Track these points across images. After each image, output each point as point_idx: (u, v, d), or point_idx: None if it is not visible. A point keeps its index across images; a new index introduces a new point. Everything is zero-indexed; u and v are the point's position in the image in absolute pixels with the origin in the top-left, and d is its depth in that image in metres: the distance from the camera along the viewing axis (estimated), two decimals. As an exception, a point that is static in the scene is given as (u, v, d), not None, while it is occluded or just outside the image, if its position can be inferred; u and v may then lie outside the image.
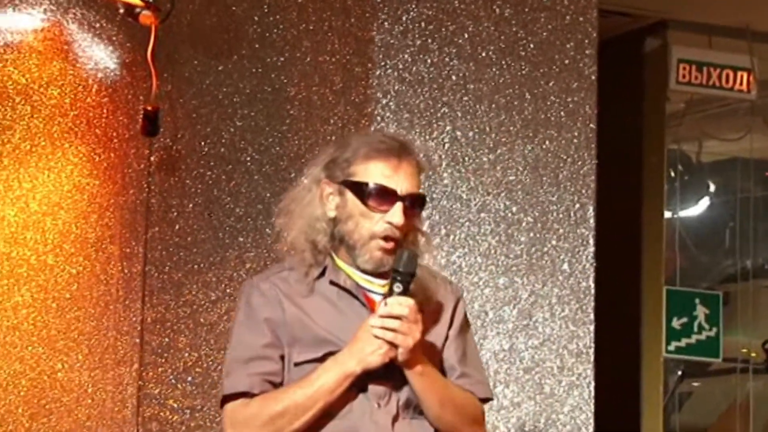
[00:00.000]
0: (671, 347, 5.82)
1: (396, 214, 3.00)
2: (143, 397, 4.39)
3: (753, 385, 6.71)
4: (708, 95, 5.78)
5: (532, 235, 4.76)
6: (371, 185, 3.00)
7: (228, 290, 4.49)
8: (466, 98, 4.72)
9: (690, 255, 6.83)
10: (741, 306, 6.78)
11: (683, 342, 5.90)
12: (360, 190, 3.01)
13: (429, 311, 3.09)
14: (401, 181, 3.02)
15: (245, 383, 3.00)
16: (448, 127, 4.75)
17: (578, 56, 4.90)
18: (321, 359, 2.98)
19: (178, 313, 4.45)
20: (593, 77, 4.88)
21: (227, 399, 3.03)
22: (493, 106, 4.78)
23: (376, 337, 2.95)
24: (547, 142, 4.84)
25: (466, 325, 3.20)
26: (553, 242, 4.78)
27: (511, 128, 4.78)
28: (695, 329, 5.94)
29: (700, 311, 5.95)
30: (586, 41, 4.89)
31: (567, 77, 4.88)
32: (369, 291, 3.05)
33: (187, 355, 4.45)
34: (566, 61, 4.90)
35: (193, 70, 4.51)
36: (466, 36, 4.76)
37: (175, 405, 4.41)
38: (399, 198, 3.01)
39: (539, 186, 4.82)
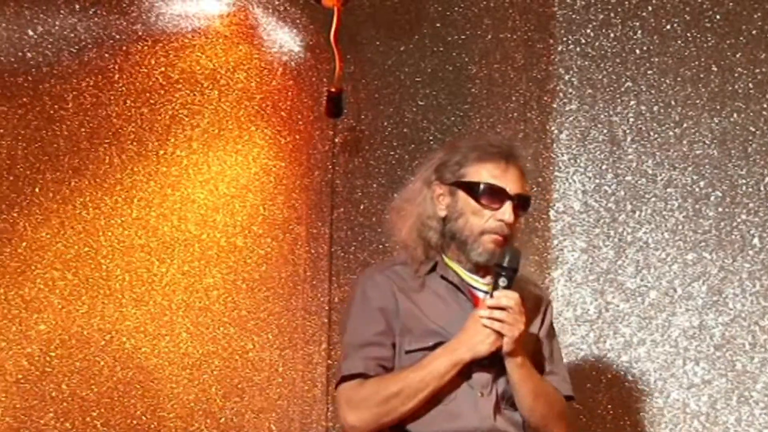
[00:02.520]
0: None
1: (506, 211, 3.21)
2: (332, 376, 4.41)
3: None
4: None
5: (720, 209, 4.65)
6: (483, 184, 3.21)
7: None
8: (650, 72, 4.63)
9: None
10: None
11: None
12: (472, 189, 3.22)
13: (527, 311, 3.24)
14: (510, 182, 3.24)
15: (361, 365, 3.18)
16: (632, 102, 4.66)
17: (766, 26, 4.77)
18: (431, 348, 3.17)
19: None
20: None
21: (343, 380, 3.22)
22: (679, 79, 4.67)
23: (485, 326, 3.12)
24: (734, 115, 4.71)
25: (552, 329, 3.41)
26: (743, 216, 4.66)
27: (698, 101, 4.66)
28: None
29: None
30: None
31: (755, 48, 4.73)
32: (474, 288, 3.26)
33: None
34: (753, 32, 4.76)
35: (376, 50, 4.53)
36: (650, 8, 4.66)
37: None
38: (509, 197, 3.22)
39: (727, 159, 4.70)
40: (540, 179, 4.56)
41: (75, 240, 4.22)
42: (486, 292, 3.23)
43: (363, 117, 4.54)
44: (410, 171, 4.52)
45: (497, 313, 3.13)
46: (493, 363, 3.19)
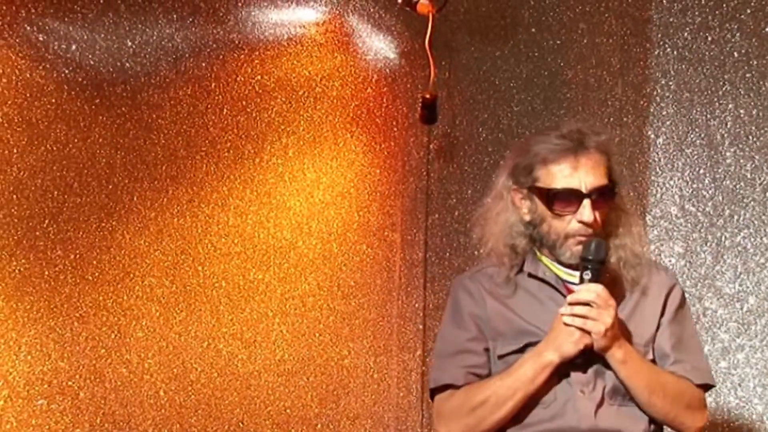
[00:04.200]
0: None
1: (584, 213, 3.07)
2: (427, 383, 4.46)
3: None
4: None
5: (820, 214, 4.61)
6: (554, 190, 3.09)
7: None
8: (749, 75, 4.59)
9: None
10: None
11: None
12: (545, 196, 3.10)
13: (642, 300, 3.15)
14: (583, 177, 3.08)
15: (450, 376, 3.13)
16: (730, 105, 4.62)
17: None
18: (521, 350, 3.09)
19: None
20: None
21: (435, 392, 3.18)
22: None
23: (567, 324, 3.02)
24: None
25: (681, 310, 3.22)
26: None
27: None
28: None
29: None
30: None
31: None
32: (571, 284, 3.14)
33: None
34: None
35: (470, 56, 4.54)
36: (749, 11, 4.62)
37: None
38: (584, 196, 3.07)
39: None
40: (636, 184, 4.54)
41: (172, 248, 4.26)
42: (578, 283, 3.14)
43: (458, 123, 4.54)
44: None
45: (578, 309, 3.03)
46: (590, 360, 3.08)
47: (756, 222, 4.57)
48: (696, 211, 4.56)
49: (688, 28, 4.61)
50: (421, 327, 4.48)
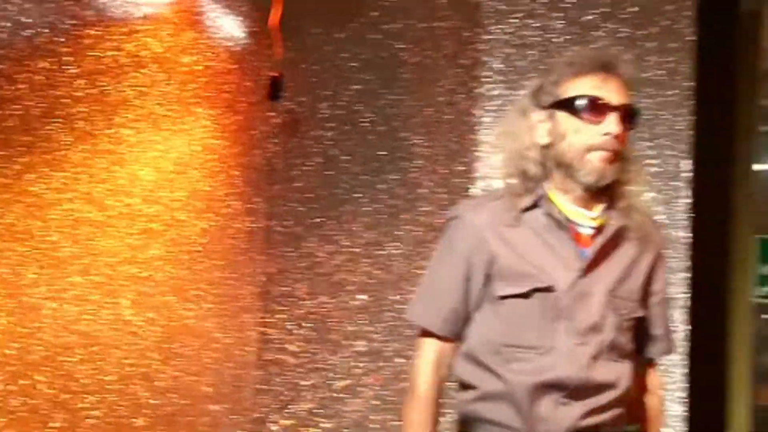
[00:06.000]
0: (761, 293, 5.91)
1: (612, 123, 2.88)
2: (264, 342, 4.65)
3: None
4: None
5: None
6: (582, 97, 2.90)
7: (345, 243, 4.71)
8: None
9: (779, 205, 6.93)
10: None
11: None
12: (572, 105, 2.91)
13: (641, 249, 3.00)
14: (612, 93, 2.91)
15: (429, 320, 3.01)
16: (522, 92, 4.82)
17: (677, 18, 4.92)
18: (525, 295, 2.92)
19: (298, 265, 4.68)
20: (691, 38, 4.93)
21: (418, 327, 3.04)
22: None
23: None
24: (646, 100, 4.95)
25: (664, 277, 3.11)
26: (652, 194, 4.90)
27: None
28: None
29: None
30: (686, 3, 4.92)
31: (666, 38, 4.91)
32: (578, 225, 2.96)
33: (305, 303, 4.68)
34: (665, 23, 4.94)
35: (314, 38, 4.66)
36: (571, 1, 4.84)
37: (294, 349, 4.67)
38: (613, 107, 2.90)
39: (638, 140, 4.91)
40: (465, 160, 4.72)
41: (26, 212, 4.29)
42: (592, 227, 2.94)
43: (301, 100, 4.67)
44: (344, 151, 4.74)
45: None
46: (596, 314, 2.93)
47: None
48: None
49: (515, 15, 4.78)
50: (260, 290, 4.62)
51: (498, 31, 4.80)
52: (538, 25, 4.83)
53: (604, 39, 4.88)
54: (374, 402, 4.70)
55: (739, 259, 5.58)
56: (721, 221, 5.52)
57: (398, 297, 4.74)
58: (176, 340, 4.56)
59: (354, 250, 4.72)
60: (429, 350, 3.04)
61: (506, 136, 3.02)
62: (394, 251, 4.75)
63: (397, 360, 4.73)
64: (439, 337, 3.02)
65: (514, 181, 2.96)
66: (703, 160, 5.16)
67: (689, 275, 4.93)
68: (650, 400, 3.14)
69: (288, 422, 4.62)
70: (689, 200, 4.96)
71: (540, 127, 2.97)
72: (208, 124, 4.60)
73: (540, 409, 2.90)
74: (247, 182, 4.65)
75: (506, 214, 2.94)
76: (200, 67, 4.57)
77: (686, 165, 4.99)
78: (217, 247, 4.61)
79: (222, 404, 4.57)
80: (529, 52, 4.83)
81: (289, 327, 4.68)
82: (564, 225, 2.94)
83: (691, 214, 4.93)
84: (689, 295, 4.93)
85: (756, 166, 6.14)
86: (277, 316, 4.67)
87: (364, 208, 4.74)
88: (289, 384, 4.65)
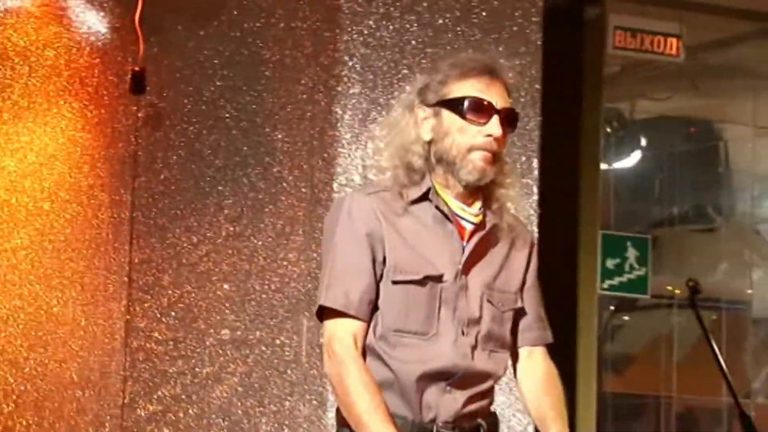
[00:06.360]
0: (605, 285, 6.14)
1: (494, 125, 2.99)
2: (131, 330, 4.71)
3: (676, 320, 7.18)
4: (641, 59, 6.05)
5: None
6: (468, 99, 3.00)
7: (208, 234, 4.81)
8: (424, 61, 4.99)
9: (623, 203, 7.28)
10: (667, 248, 7.21)
11: (616, 280, 6.22)
12: (457, 105, 3.00)
13: (513, 248, 3.10)
14: (495, 96, 3.02)
15: (344, 303, 2.96)
16: (408, 88, 4.99)
17: (525, 23, 5.15)
18: (420, 282, 2.98)
19: (163, 255, 4.77)
20: (539, 42, 5.16)
21: (326, 311, 2.99)
22: None
23: None
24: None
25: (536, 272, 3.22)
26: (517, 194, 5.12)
27: None
28: (627, 269, 6.25)
29: (631, 253, 6.24)
30: (533, 10, 5.16)
31: (515, 42, 5.13)
32: (461, 218, 3.04)
33: (170, 292, 4.76)
34: (514, 28, 5.15)
35: (177, 34, 4.77)
36: (425, 4, 5.03)
37: (160, 337, 4.75)
38: (496, 110, 3.00)
39: None
40: (325, 155, 4.90)
41: None
42: (473, 223, 3.04)
43: (164, 94, 4.77)
44: (207, 145, 4.86)
45: None
46: (474, 305, 3.02)
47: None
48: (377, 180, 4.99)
49: (372, 17, 4.97)
50: (126, 279, 4.70)
51: (356, 32, 4.98)
52: (393, 27, 5.03)
53: (456, 41, 5.12)
54: (239, 388, 4.83)
55: (585, 253, 5.85)
56: (568, 217, 5.79)
57: (262, 287, 4.89)
58: (42, 328, 4.63)
59: (218, 241, 4.85)
60: (345, 333, 2.97)
61: (391, 129, 3.09)
62: (258, 243, 4.89)
63: (261, 348, 4.87)
64: (353, 318, 2.97)
65: (399, 172, 3.03)
66: (551, 158, 5.42)
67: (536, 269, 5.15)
68: (547, 385, 3.16)
69: (155, 407, 4.72)
70: (537, 197, 5.18)
71: (425, 123, 3.05)
72: (72, 117, 4.69)
73: (427, 396, 2.96)
74: (112, 174, 4.73)
75: (395, 203, 3.01)
76: (64, 61, 4.67)
77: (535, 163, 5.23)
78: (83, 237, 4.70)
79: (89, 390, 4.65)
80: (386, 52, 5.01)
81: (154, 316, 4.78)
82: (450, 218, 3.03)
83: (539, 211, 5.14)
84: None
85: (603, 165, 6.47)
86: (143, 305, 4.77)
87: (227, 201, 4.85)
88: (156, 371, 4.75)
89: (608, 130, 6.79)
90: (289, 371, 4.85)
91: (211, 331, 4.83)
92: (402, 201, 3.01)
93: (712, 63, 6.89)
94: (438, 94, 3.04)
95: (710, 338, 4.45)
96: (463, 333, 2.99)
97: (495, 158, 3.02)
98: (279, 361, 4.85)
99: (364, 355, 2.98)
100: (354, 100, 4.95)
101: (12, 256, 4.61)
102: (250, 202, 4.88)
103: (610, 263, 6.24)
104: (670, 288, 7.11)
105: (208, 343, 4.82)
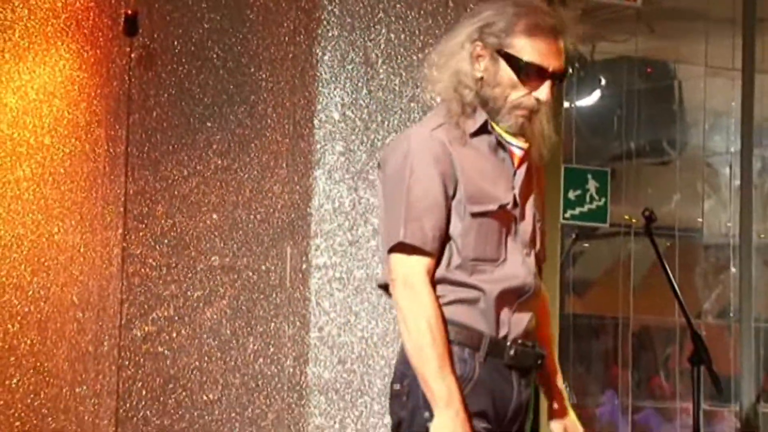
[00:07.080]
0: (567, 215, 6.37)
1: (544, 91, 3.01)
2: (127, 257, 4.99)
3: (633, 247, 7.44)
4: (601, 3, 6.19)
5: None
6: (528, 63, 2.99)
7: (198, 167, 5.08)
8: (399, 5, 5.25)
9: (584, 138, 7.58)
10: (625, 180, 7.47)
11: (577, 210, 6.44)
12: (516, 63, 2.99)
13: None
14: (553, 60, 3.01)
15: (420, 237, 2.98)
16: (383, 30, 5.25)
17: None
18: (495, 212, 3.02)
19: (156, 187, 5.03)
20: None
21: (400, 245, 2.99)
22: (422, 12, 5.30)
23: None
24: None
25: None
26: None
27: (437, 31, 5.29)
28: (587, 200, 6.47)
29: (592, 185, 6.46)
30: None
31: None
32: (512, 145, 3.07)
33: (163, 221, 5.04)
34: None
35: None
36: None
37: (154, 263, 5.04)
38: (549, 76, 3.01)
39: None
40: (306, 93, 5.16)
41: None
42: (522, 149, 3.07)
43: (156, 36, 5.01)
44: (196, 84, 5.11)
45: None
46: (528, 225, 3.10)
47: (402, 127, 5.22)
48: (354, 117, 5.21)
49: None
50: (122, 209, 4.96)
51: (335, -24, 5.21)
52: (371, -28, 5.27)
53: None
54: (227, 311, 5.14)
55: (549, 185, 6.14)
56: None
57: (248, 217, 5.19)
58: (44, 255, 4.89)
59: (207, 174, 5.14)
60: (422, 268, 3.00)
61: (448, 58, 3.05)
62: (244, 175, 5.18)
63: (248, 273, 5.18)
64: (428, 254, 3.00)
65: (453, 105, 3.03)
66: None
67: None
68: (546, 319, 3.28)
69: (150, 328, 5.02)
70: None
71: (480, 61, 3.02)
72: (69, 57, 4.93)
73: (501, 315, 3.03)
74: (108, 111, 4.97)
75: (456, 135, 3.02)
76: (61, 4, 4.90)
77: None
78: (81, 170, 4.94)
79: (88, 312, 4.94)
80: (364, -4, 5.24)
81: (149, 243, 5.06)
82: (505, 147, 3.06)
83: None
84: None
85: (565, 104, 6.76)
86: (138, 233, 5.03)
87: (215, 136, 5.12)
88: (150, 294, 5.04)
89: (570, 70, 7.06)
90: (274, 295, 5.15)
91: (202, 257, 5.10)
92: (459, 131, 3.03)
93: (667, 7, 7.18)
94: (499, 40, 3.01)
95: (664, 263, 4.69)
96: (527, 254, 3.08)
97: (533, 115, 3.06)
98: (265, 285, 5.15)
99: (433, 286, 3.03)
100: (333, 42, 5.19)
101: (15, 187, 4.86)
102: (236, 137, 5.14)
103: (572, 194, 6.45)
104: (627, 217, 7.34)
105: (198, 268, 5.09)
